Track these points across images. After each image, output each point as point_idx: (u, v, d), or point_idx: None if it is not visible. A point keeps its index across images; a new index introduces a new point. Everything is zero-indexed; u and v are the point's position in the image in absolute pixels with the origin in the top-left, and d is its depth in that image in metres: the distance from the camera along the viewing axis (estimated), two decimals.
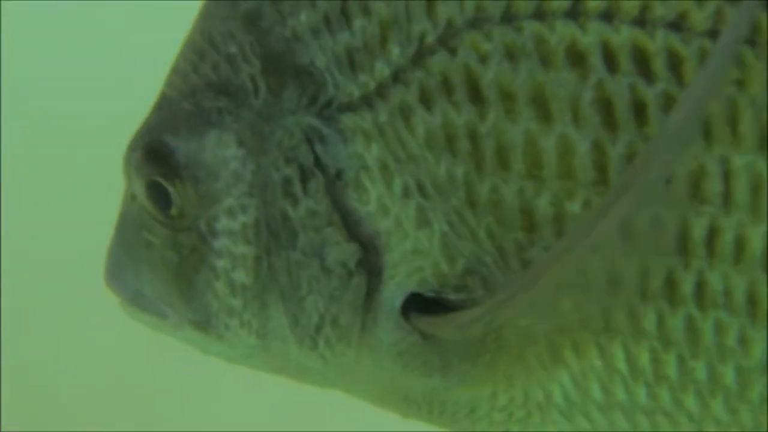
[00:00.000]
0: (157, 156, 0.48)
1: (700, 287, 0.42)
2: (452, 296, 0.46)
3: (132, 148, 0.50)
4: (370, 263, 0.46)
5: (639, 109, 0.42)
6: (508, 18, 0.43)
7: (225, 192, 0.48)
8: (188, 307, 0.50)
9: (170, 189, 0.48)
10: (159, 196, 0.49)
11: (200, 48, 0.49)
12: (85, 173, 1.05)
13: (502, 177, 0.44)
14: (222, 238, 0.48)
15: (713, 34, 0.41)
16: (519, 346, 0.45)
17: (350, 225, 0.46)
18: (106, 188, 1.06)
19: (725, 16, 0.41)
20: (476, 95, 0.43)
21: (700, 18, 0.41)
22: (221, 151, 0.48)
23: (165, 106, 0.50)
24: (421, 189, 0.45)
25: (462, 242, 0.45)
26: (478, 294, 0.45)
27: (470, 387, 0.47)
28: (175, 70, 0.50)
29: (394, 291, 0.46)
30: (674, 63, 0.41)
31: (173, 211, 0.49)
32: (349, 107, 0.46)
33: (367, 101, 0.45)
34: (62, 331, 1.03)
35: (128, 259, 0.51)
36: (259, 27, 0.47)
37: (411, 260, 0.46)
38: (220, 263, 0.48)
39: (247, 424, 0.98)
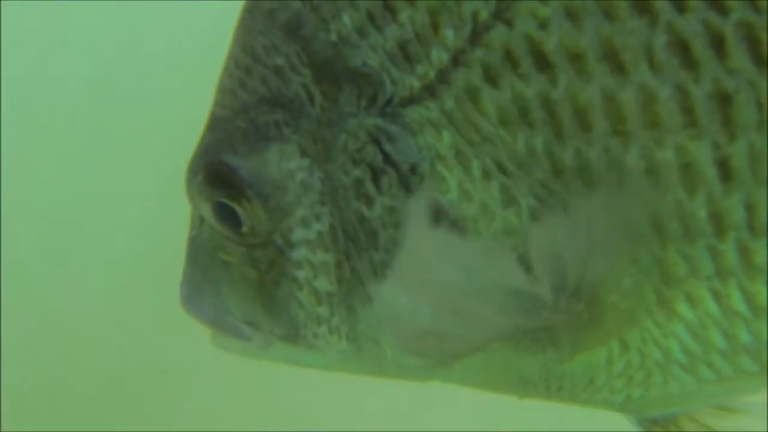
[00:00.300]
0: (218, 177, 0.48)
1: None
2: None
3: (192, 172, 0.49)
4: None
5: (717, 44, 0.41)
6: None
7: (296, 203, 0.47)
8: (274, 322, 0.49)
9: (237, 208, 0.48)
10: (227, 216, 0.48)
11: (244, 63, 0.48)
12: (86, 175, 1.06)
13: (584, 140, 0.42)
14: (300, 249, 0.47)
15: None
16: (625, 305, 0.44)
17: (434, 215, 0.45)
18: (107, 190, 1.06)
19: None
20: (543, 62, 0.42)
21: None
22: (285, 164, 0.47)
23: (218, 127, 0.49)
24: (502, 168, 0.44)
25: (551, 210, 0.44)
26: None
27: (584, 354, 0.46)
28: (222, 89, 0.49)
29: None
30: None
31: (244, 229, 0.48)
32: (411, 100, 0.45)
33: (430, 91, 0.44)
34: (62, 331, 1.03)
35: (207, 283, 0.50)
36: (301, 36, 0.46)
37: (503, 240, 0.45)
38: (301, 274, 0.47)
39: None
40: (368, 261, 0.46)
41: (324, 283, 0.47)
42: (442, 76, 0.44)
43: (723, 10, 0.40)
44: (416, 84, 0.45)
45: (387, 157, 0.45)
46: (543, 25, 0.42)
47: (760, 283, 0.43)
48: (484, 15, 0.43)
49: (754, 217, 0.42)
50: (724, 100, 0.41)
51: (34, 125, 1.06)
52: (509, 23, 0.43)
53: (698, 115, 0.41)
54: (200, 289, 0.51)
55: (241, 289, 0.49)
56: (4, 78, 1.04)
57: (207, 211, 0.49)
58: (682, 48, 0.41)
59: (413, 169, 0.45)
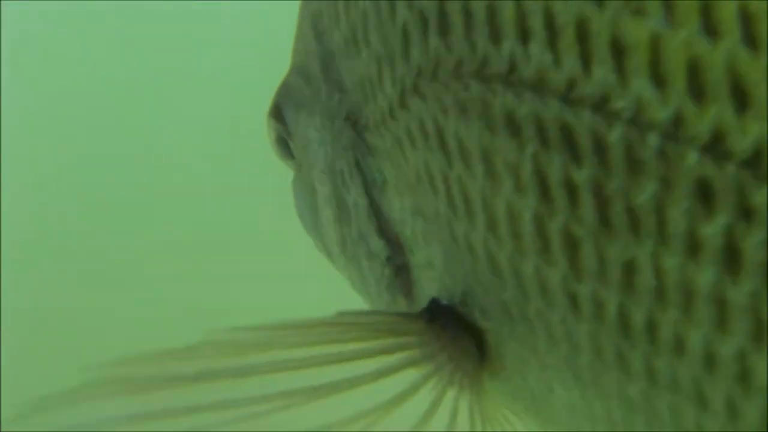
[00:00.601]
0: (277, 116, 0.55)
1: (650, 372, 0.40)
2: (459, 310, 0.46)
3: (272, 101, 0.56)
4: (399, 261, 0.49)
5: (571, 190, 0.39)
6: (458, 74, 0.41)
7: (313, 164, 0.53)
8: (322, 237, 0.56)
9: (291, 144, 0.55)
10: (286, 148, 0.56)
11: (297, 32, 0.53)
12: (84, 174, 1.07)
13: (470, 225, 0.43)
14: (320, 197, 0.53)
15: (635, 121, 0.37)
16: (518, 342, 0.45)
17: (384, 224, 0.49)
18: (103, 190, 1.07)
19: (646, 104, 0.37)
20: (444, 144, 0.43)
21: (621, 104, 0.37)
22: (308, 131, 0.52)
23: (289, 74, 0.55)
24: (422, 213, 0.46)
25: (456, 268, 0.46)
26: (475, 314, 0.46)
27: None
28: (293, 44, 0.54)
29: (424, 290, 0.48)
30: (600, 148, 0.38)
31: (294, 160, 0.55)
32: (369, 128, 0.47)
33: (377, 127, 0.46)
34: (64, 330, 1.04)
35: (297, 185, 0.59)
36: (318, 31, 0.49)
37: (427, 269, 0.47)
38: (323, 213, 0.54)
39: None
40: (347, 233, 0.52)
41: (332, 231, 0.54)
42: (384, 120, 0.46)
43: (579, 160, 0.39)
44: (371, 116, 0.47)
45: (358, 163, 0.49)
46: (444, 111, 0.42)
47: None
48: (409, 81, 0.44)
49: (600, 355, 0.41)
50: (572, 243, 0.40)
51: (34, 125, 1.07)
52: (423, 98, 0.43)
53: (552, 246, 0.41)
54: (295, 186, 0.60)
55: (307, 202, 0.57)
56: (4, 78, 1.05)
57: (271, 138, 0.56)
58: (542, 182, 0.40)
59: (374, 181, 0.49)
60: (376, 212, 0.49)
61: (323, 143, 0.50)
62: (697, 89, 0.35)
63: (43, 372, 1.02)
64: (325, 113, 0.50)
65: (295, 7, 0.53)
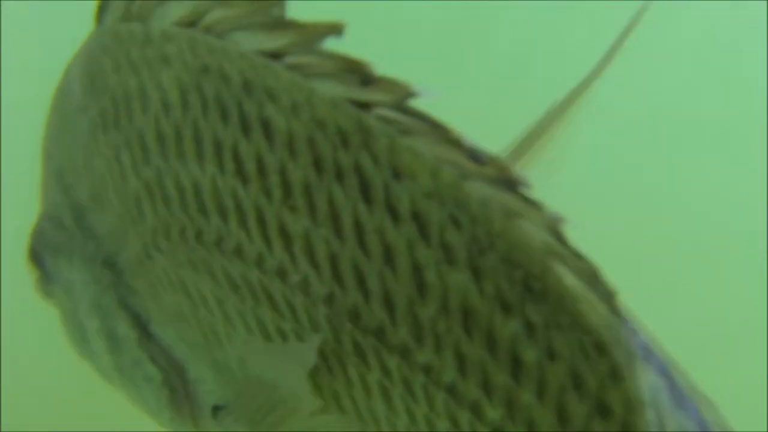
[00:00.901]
0: (35, 260, 0.56)
1: None
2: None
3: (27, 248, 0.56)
4: (175, 381, 0.53)
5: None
6: (184, 238, 0.47)
7: (80, 302, 0.54)
8: (96, 364, 0.58)
9: (50, 286, 0.56)
10: (47, 288, 0.56)
11: (42, 181, 0.55)
12: None
13: (224, 354, 0.49)
14: (90, 331, 0.55)
15: (307, 294, 0.45)
16: None
17: (156, 351, 0.52)
18: None
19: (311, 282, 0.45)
20: (187, 291, 0.48)
21: (296, 279, 0.45)
22: (70, 274, 0.54)
23: (40, 219, 0.55)
24: (185, 340, 0.51)
25: (225, 383, 0.51)
26: None
27: None
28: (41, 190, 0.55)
29: (205, 401, 0.52)
30: (293, 310, 0.46)
31: None
32: (125, 271, 0.51)
33: (132, 271, 0.51)
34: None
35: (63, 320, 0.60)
36: (64, 185, 0.52)
37: (202, 383, 0.52)
38: (95, 345, 0.55)
39: None
40: (121, 361, 0.54)
41: (106, 361, 0.56)
42: (137, 266, 0.50)
43: (283, 317, 0.45)
44: (126, 262, 0.51)
45: (123, 300, 0.52)
46: (180, 265, 0.48)
47: None
48: (149, 238, 0.49)
49: None
50: None
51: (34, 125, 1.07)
52: (162, 253, 0.48)
53: None
54: None
55: (72, 335, 0.58)
56: (4, 78, 1.05)
57: (33, 278, 0.57)
58: (265, 330, 0.47)
59: (140, 315, 0.52)
60: (148, 341, 0.52)
61: (86, 283, 0.53)
62: (365, 290, 0.43)
63: (44, 372, 1.03)
64: (83, 257, 0.53)
65: None
